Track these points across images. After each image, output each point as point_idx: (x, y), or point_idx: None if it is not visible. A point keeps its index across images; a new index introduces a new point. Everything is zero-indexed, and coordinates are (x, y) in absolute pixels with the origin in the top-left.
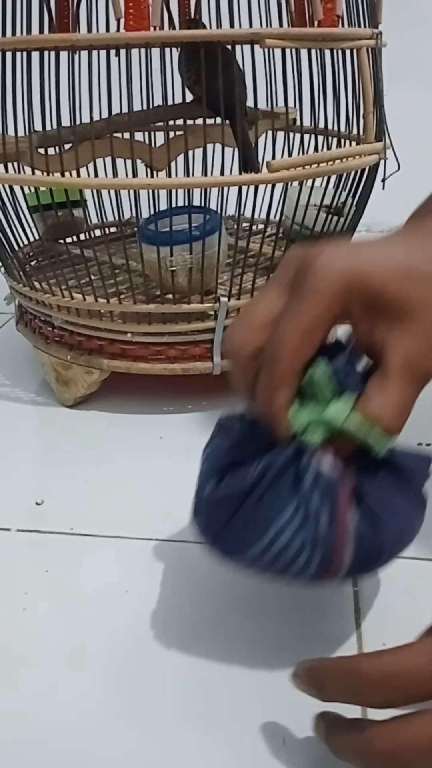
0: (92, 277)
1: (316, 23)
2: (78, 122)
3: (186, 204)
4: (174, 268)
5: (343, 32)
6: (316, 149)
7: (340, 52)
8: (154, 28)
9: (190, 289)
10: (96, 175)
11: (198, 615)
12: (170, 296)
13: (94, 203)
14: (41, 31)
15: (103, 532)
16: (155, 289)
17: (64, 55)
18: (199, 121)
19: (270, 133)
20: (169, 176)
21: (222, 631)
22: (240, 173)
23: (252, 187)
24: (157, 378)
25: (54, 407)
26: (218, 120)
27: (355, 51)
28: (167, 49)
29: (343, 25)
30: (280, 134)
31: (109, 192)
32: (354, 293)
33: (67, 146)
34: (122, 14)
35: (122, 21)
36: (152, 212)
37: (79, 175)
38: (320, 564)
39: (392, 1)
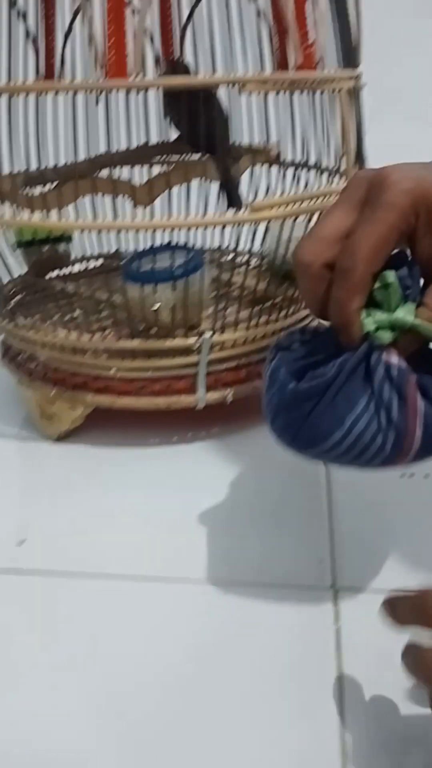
0: (76, 313)
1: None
2: (62, 162)
3: (169, 241)
4: (157, 306)
5: (323, 76)
6: (298, 183)
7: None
8: (136, 75)
9: (173, 325)
10: (81, 216)
11: (182, 657)
12: (154, 331)
13: (80, 237)
14: (26, 71)
15: (88, 570)
16: (139, 323)
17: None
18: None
19: (255, 167)
20: (153, 214)
21: (205, 674)
22: (224, 210)
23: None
24: (142, 411)
25: (38, 442)
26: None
27: (335, 92)
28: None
29: (323, 68)
30: (269, 168)
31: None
32: (422, 208)
33: (51, 185)
34: (104, 63)
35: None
36: (136, 247)
37: (64, 216)
38: (394, 444)
39: (374, 35)
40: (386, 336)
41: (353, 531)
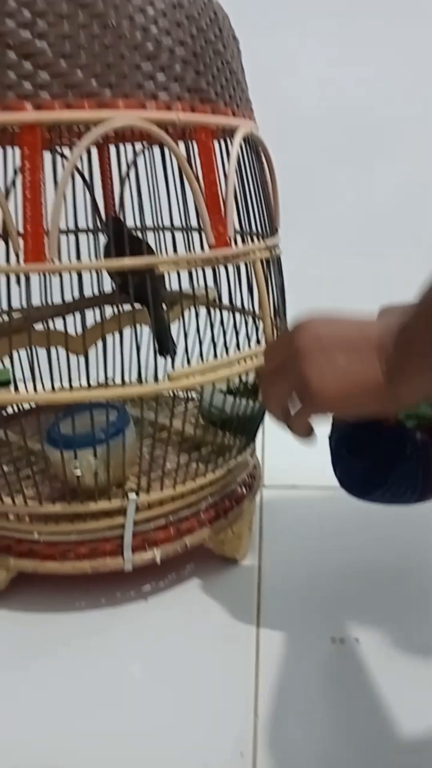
0: (4, 469)
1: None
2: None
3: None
4: (78, 472)
5: (236, 251)
6: (225, 330)
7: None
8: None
9: (97, 488)
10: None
11: None
12: (78, 492)
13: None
14: None
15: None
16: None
17: None
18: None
19: (191, 310)
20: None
21: None
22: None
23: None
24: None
25: None
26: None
27: (249, 264)
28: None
29: (237, 242)
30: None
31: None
32: None
33: None
34: (19, 249)
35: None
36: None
37: None
38: (422, 490)
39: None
40: (411, 422)
41: (278, 716)
